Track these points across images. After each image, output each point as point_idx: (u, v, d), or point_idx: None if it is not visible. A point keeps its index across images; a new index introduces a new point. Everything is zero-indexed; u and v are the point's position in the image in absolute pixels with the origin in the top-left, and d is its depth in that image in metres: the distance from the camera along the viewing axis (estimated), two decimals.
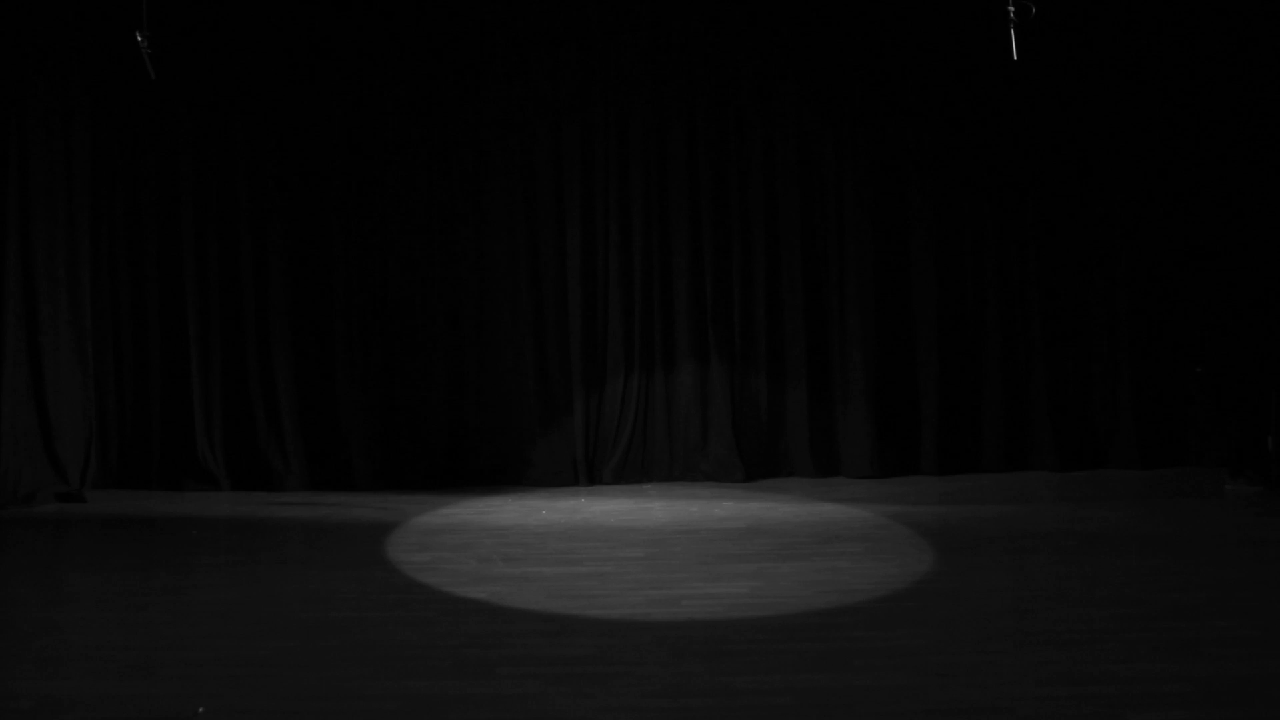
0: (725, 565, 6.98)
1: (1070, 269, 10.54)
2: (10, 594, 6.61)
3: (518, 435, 10.44)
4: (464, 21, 10.40)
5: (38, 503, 9.55)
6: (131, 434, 10.43)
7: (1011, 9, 7.82)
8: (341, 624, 5.77)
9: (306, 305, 10.44)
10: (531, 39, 10.45)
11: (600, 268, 10.53)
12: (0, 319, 9.69)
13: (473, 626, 5.78)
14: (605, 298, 10.49)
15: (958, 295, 10.55)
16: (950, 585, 6.47)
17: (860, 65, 10.45)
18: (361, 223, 10.43)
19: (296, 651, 5.30)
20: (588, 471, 10.43)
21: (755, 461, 10.43)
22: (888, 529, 8.10)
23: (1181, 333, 10.35)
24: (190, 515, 9.14)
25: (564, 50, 10.48)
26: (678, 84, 10.50)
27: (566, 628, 5.71)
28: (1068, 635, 5.33)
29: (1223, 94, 10.20)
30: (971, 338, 10.55)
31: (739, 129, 10.53)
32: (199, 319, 10.36)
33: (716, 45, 10.49)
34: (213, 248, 10.39)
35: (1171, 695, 4.49)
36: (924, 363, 10.46)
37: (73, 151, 10.04)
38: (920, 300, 10.49)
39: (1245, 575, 6.53)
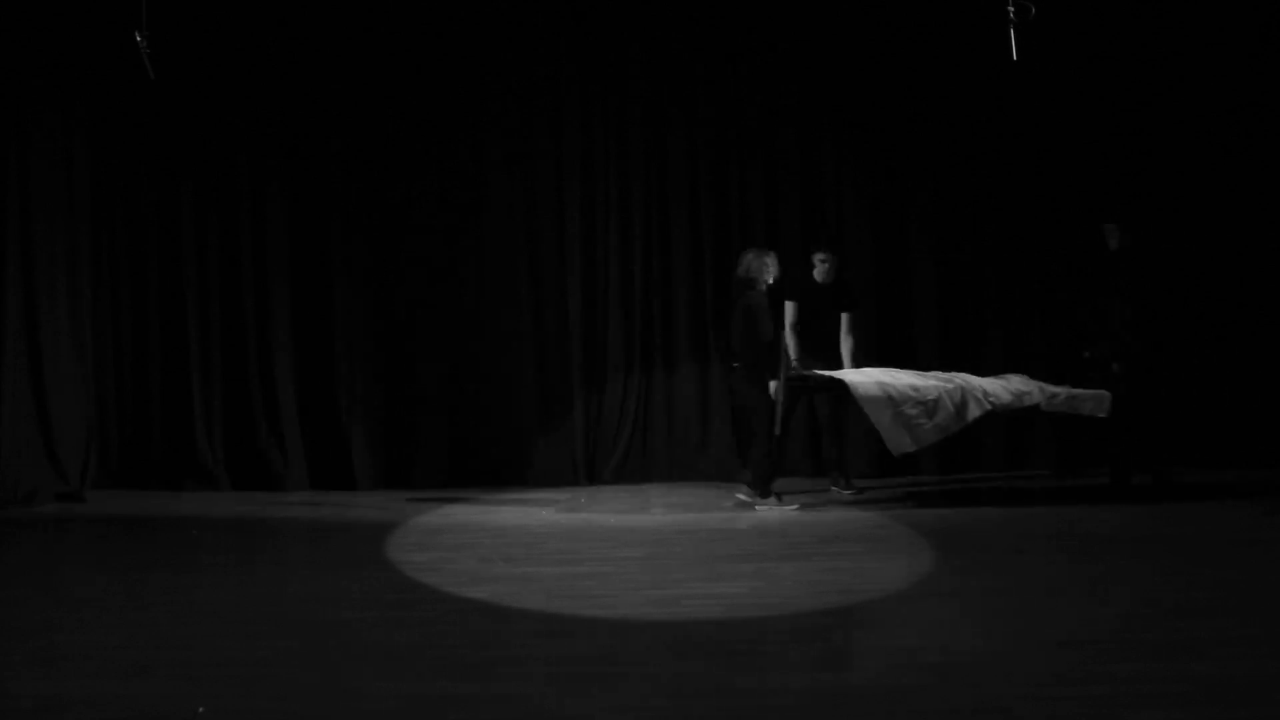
0: (725, 565, 6.97)
1: (1070, 268, 10.53)
2: (10, 594, 6.61)
3: (518, 435, 10.44)
4: (464, 25, 10.40)
5: (38, 502, 9.56)
6: (131, 434, 10.44)
7: (1011, 9, 7.82)
8: (341, 624, 5.77)
9: (306, 306, 10.45)
10: (531, 38, 10.45)
11: (600, 268, 10.53)
12: (0, 318, 9.69)
13: (473, 626, 5.78)
14: (605, 298, 10.50)
15: (957, 295, 10.54)
16: (950, 585, 6.47)
17: (861, 65, 10.45)
18: (362, 224, 10.44)
19: (296, 651, 5.30)
20: (588, 471, 10.44)
21: None
22: (888, 529, 8.09)
23: (1184, 333, 10.34)
24: (190, 515, 9.14)
25: (565, 51, 10.48)
26: (678, 85, 10.50)
27: (566, 628, 5.70)
28: (1068, 635, 5.32)
29: (1224, 97, 10.21)
30: (971, 338, 10.55)
31: (739, 130, 10.53)
32: (199, 318, 10.37)
33: (716, 46, 10.49)
34: (213, 247, 10.41)
35: (1171, 695, 4.49)
36: (923, 362, 10.44)
37: (73, 153, 10.05)
38: (920, 300, 10.49)
39: (1246, 575, 6.52)
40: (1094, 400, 8.96)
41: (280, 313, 10.39)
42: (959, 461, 10.42)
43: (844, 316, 9.54)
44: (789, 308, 9.47)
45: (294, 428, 10.35)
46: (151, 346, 10.45)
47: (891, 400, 8.71)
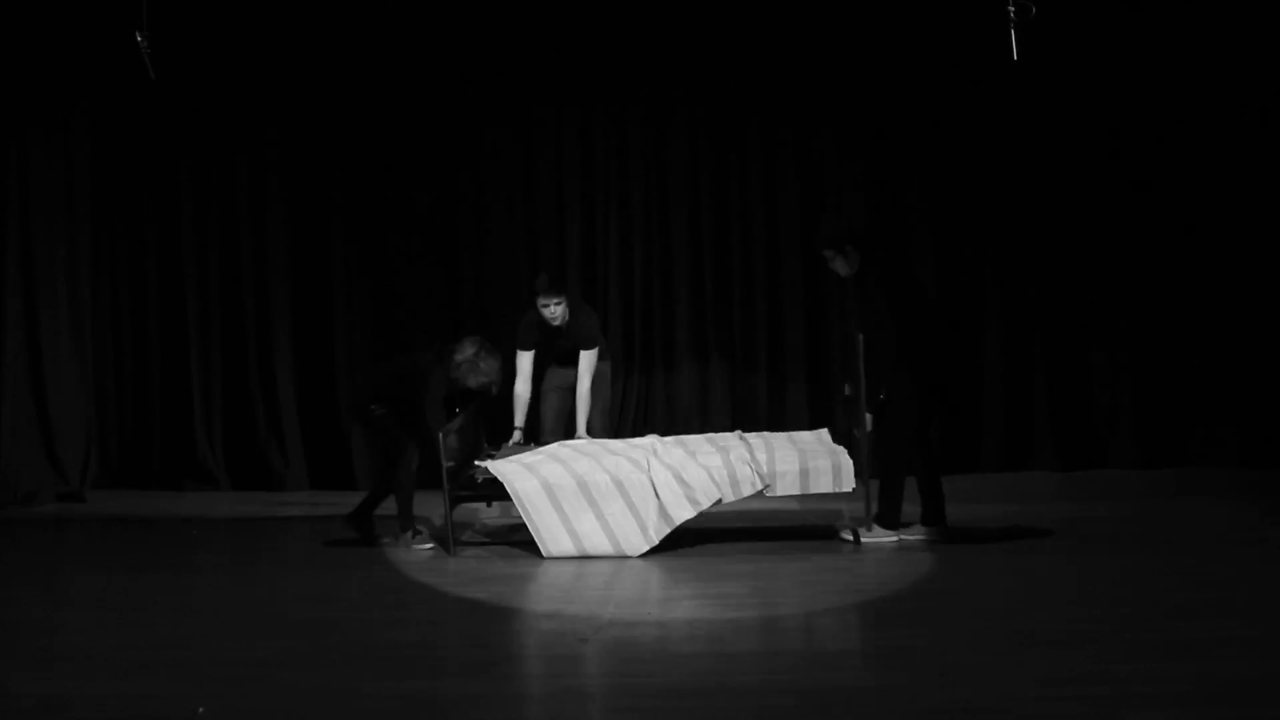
0: (725, 565, 6.97)
1: (1070, 267, 10.53)
2: (10, 594, 6.61)
3: None
4: (464, 25, 10.39)
5: (38, 502, 9.57)
6: (131, 434, 10.44)
7: (1011, 9, 7.81)
8: (341, 624, 5.77)
9: (306, 305, 10.45)
10: (531, 38, 10.44)
11: (600, 267, 10.54)
12: (0, 318, 9.70)
13: (473, 626, 5.78)
14: (605, 297, 10.50)
15: (957, 294, 10.53)
16: (950, 585, 6.47)
17: (860, 65, 10.43)
18: (362, 224, 10.44)
19: (296, 651, 5.30)
20: None
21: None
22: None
23: (1184, 333, 10.34)
24: (190, 515, 9.14)
25: (565, 51, 10.47)
26: (678, 85, 10.50)
27: (566, 627, 5.71)
28: (1068, 635, 5.32)
29: (1224, 97, 10.20)
30: (971, 337, 10.54)
31: (739, 129, 10.53)
32: (199, 318, 10.38)
33: (717, 45, 10.48)
34: (213, 248, 10.42)
35: (1171, 695, 4.49)
36: None
37: (73, 153, 10.06)
38: None
39: (1245, 575, 6.52)
40: (832, 475, 7.43)
41: (280, 313, 10.39)
42: (957, 462, 10.41)
43: (581, 355, 8.47)
44: (521, 359, 8.53)
45: (294, 428, 10.35)
46: (151, 347, 10.46)
47: (552, 498, 7.15)
